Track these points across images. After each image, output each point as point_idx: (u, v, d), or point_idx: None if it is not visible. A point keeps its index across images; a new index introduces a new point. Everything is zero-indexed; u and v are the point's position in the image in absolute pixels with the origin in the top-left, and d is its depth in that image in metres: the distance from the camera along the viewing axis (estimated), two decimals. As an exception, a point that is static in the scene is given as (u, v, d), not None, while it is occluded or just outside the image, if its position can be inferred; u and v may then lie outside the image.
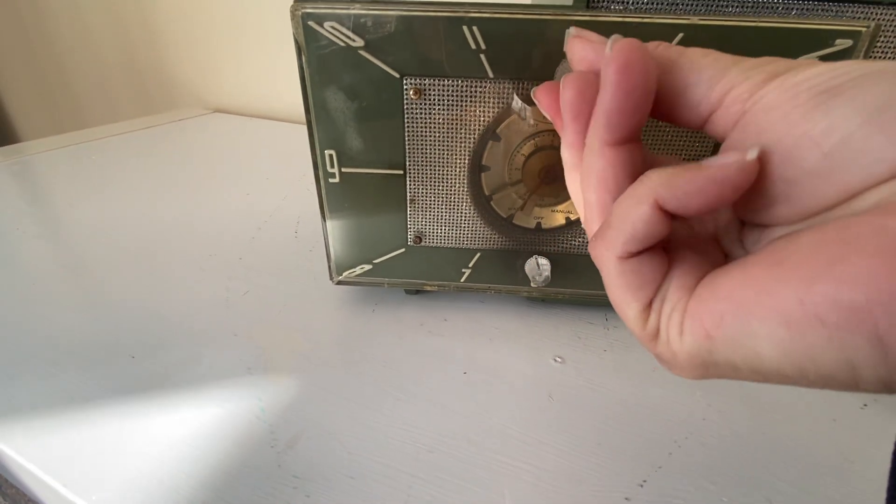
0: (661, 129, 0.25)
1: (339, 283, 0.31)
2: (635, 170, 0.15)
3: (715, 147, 0.25)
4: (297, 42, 0.23)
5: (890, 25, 0.23)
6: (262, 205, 0.49)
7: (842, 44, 0.22)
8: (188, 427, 0.24)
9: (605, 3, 0.23)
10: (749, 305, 0.12)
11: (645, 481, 0.22)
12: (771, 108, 0.13)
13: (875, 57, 0.24)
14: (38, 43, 1.08)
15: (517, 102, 0.25)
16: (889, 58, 0.24)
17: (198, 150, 0.68)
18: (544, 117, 0.25)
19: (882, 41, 0.23)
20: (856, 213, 0.11)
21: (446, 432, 0.24)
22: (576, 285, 0.31)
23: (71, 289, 0.35)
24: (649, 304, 0.14)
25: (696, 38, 0.22)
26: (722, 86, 0.14)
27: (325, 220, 0.29)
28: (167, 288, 0.35)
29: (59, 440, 0.23)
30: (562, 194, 0.28)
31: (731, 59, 0.14)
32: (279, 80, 0.86)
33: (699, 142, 0.26)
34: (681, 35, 0.22)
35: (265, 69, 0.86)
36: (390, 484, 0.21)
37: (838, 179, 0.12)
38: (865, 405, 0.27)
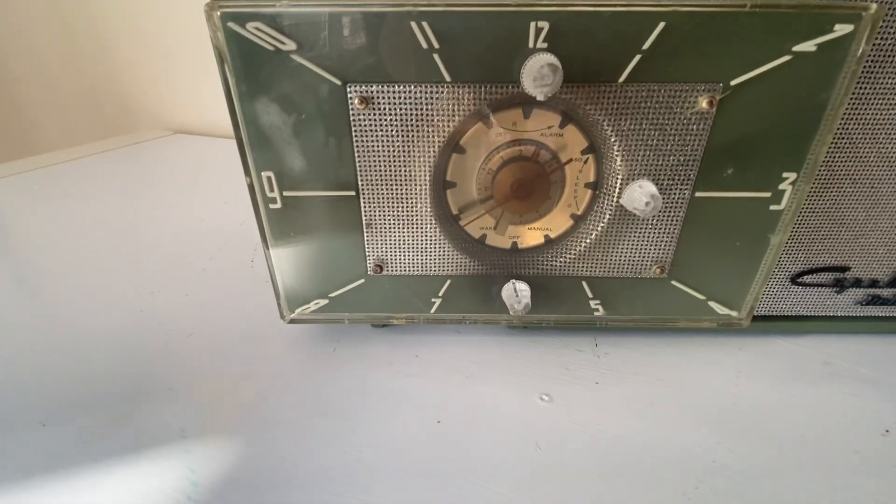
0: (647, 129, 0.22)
1: (291, 321, 0.28)
2: None
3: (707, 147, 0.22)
4: (216, 49, 0.20)
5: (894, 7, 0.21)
6: (217, 231, 0.45)
7: (841, 29, 0.20)
8: (101, 515, 0.20)
9: (575, -10, 0.20)
10: None
11: (653, 549, 0.19)
12: None
13: (880, 44, 0.21)
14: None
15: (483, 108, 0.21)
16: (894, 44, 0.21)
17: (156, 173, 0.64)
18: (513, 124, 0.22)
19: (885, 25, 0.21)
20: None
21: (419, 501, 0.20)
22: (559, 310, 0.27)
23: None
24: None
25: (681, 27, 0.19)
26: None
27: (268, 252, 0.25)
28: (95, 336, 0.30)
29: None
30: (539, 209, 0.24)
31: None
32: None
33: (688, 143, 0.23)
34: (662, 24, 0.19)
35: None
36: (347, 577, 0.18)
37: None
38: (888, 431, 0.24)
